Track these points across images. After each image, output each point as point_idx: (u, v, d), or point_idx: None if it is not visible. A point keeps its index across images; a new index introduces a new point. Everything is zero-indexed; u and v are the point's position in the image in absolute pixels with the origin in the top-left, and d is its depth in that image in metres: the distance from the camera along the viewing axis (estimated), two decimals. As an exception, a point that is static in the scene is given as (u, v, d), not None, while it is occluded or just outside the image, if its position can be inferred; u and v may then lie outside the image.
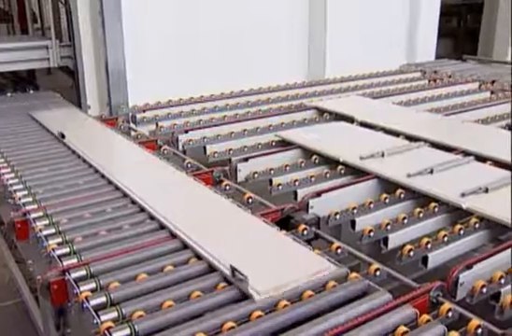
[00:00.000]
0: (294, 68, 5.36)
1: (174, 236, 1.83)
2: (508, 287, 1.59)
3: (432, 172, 2.29)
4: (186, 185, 2.25)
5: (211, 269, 1.63)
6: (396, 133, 2.96)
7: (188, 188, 2.23)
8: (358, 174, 2.41)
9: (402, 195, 2.17)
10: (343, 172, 2.45)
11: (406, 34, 6.17)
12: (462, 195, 2.06)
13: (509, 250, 1.75)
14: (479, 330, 1.40)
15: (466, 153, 2.60)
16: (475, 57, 6.15)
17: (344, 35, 5.45)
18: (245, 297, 1.49)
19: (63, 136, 2.08)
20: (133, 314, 1.40)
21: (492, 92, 4.16)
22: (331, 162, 2.55)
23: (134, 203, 2.09)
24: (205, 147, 2.87)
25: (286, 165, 2.50)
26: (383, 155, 2.50)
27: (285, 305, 1.43)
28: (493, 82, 4.39)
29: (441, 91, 4.06)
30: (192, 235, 1.79)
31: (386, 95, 3.97)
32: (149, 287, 1.54)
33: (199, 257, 1.69)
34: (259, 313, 1.42)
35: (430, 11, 6.24)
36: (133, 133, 3.30)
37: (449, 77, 4.67)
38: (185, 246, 1.76)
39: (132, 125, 3.53)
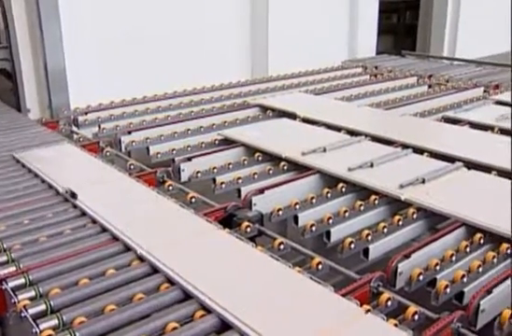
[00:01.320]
0: (238, 67, 5.38)
1: (116, 239, 1.81)
2: (443, 273, 1.65)
3: (372, 165, 2.34)
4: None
5: (154, 270, 1.62)
6: (338, 128, 3.00)
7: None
8: (301, 169, 2.44)
9: (343, 189, 2.21)
10: (286, 168, 2.47)
11: (347, 31, 6.29)
12: (401, 187, 2.11)
13: (444, 238, 1.81)
14: (416, 316, 1.45)
15: (405, 146, 2.66)
16: (413, 52, 6.31)
17: (286, 34, 5.50)
18: (188, 297, 1.49)
19: (73, 196, 1.99)
20: (74, 320, 1.38)
21: (430, 86, 4.29)
22: (274, 159, 2.57)
23: (75, 207, 2.06)
24: (148, 148, 2.84)
25: (229, 163, 2.50)
26: (325, 150, 2.53)
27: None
28: (430, 76, 4.53)
29: (381, 86, 4.16)
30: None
31: (328, 91, 4.03)
32: (90, 291, 1.52)
33: (141, 259, 1.68)
34: (201, 312, 1.42)
35: (369, 9, 6.37)
36: (75, 136, 3.24)
37: (389, 72, 4.78)
38: (128, 249, 1.75)
39: (74, 128, 3.46)
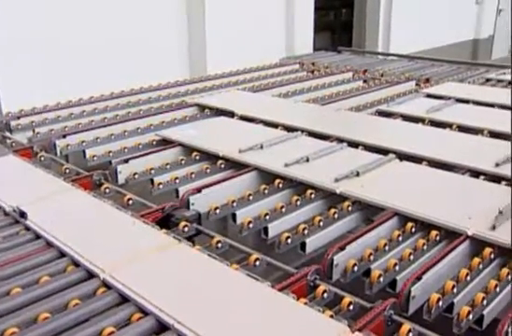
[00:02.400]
0: (176, 66, 5.35)
1: (50, 246, 1.77)
2: (377, 263, 1.69)
3: (308, 160, 2.38)
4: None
5: (90, 275, 1.60)
6: (275, 125, 3.03)
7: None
8: (238, 167, 2.45)
9: (280, 185, 2.23)
10: (223, 166, 2.48)
11: (284, 28, 6.36)
12: (336, 180, 2.16)
13: (378, 229, 1.86)
14: (351, 307, 1.49)
15: (340, 140, 2.72)
16: (349, 49, 6.44)
17: (223, 32, 5.51)
18: (125, 300, 1.48)
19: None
20: (5, 331, 1.34)
21: (365, 81, 4.38)
22: (211, 158, 2.56)
23: (6, 215, 2.00)
24: (84, 151, 2.78)
25: (167, 164, 2.49)
26: (262, 147, 2.55)
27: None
28: (365, 71, 4.63)
29: (318, 82, 4.22)
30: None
31: (266, 88, 4.06)
32: (23, 300, 1.48)
33: (77, 264, 1.65)
34: (139, 315, 1.41)
35: (304, 6, 6.46)
36: (7, 141, 3.13)
37: (326, 68, 4.86)
38: (62, 255, 1.72)
39: (6, 133, 3.35)
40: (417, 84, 4.23)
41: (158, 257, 1.67)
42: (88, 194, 2.15)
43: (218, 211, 2.02)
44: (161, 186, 2.30)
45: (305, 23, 6.49)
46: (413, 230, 1.88)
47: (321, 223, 1.92)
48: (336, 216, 1.99)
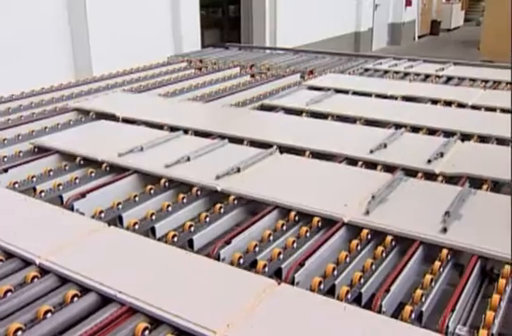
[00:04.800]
0: (60, 69, 5.17)
1: None
2: (262, 253, 1.74)
3: (189, 159, 2.36)
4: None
5: (26, 264, 1.64)
6: (158, 126, 2.96)
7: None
8: (121, 171, 2.37)
9: (164, 186, 2.20)
10: (107, 170, 2.40)
11: (171, 26, 6.32)
12: (217, 178, 2.17)
13: (261, 221, 1.91)
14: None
15: (223, 137, 2.72)
16: (236, 44, 6.52)
17: (108, 32, 5.38)
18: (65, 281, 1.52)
19: None
20: None
21: (252, 75, 4.45)
22: (94, 163, 2.48)
23: None
24: (-43, 164, 2.61)
25: (49, 171, 2.39)
26: (142, 149, 2.49)
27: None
28: (252, 66, 4.71)
29: (206, 79, 4.24)
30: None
31: (153, 87, 4.01)
32: None
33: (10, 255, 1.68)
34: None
35: (190, 3, 6.45)
36: None
37: (214, 64, 4.89)
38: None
39: None
40: (301, 76, 4.36)
41: (90, 239, 1.76)
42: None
43: (102, 214, 1.98)
44: (43, 193, 2.21)
45: (192, 20, 6.48)
46: (296, 218, 1.94)
47: (207, 219, 1.94)
48: (222, 210, 2.01)
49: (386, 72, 4.42)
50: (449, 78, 4.22)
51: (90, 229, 1.82)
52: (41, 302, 1.45)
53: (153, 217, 1.95)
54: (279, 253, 1.72)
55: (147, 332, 1.35)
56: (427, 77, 4.29)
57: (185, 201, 2.08)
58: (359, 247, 1.76)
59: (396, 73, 4.39)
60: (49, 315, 1.40)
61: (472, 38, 13.34)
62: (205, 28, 7.87)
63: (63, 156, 2.58)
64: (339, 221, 1.87)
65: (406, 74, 4.37)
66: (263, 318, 1.38)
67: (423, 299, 1.49)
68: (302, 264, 1.64)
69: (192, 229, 1.87)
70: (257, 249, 1.74)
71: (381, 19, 13.47)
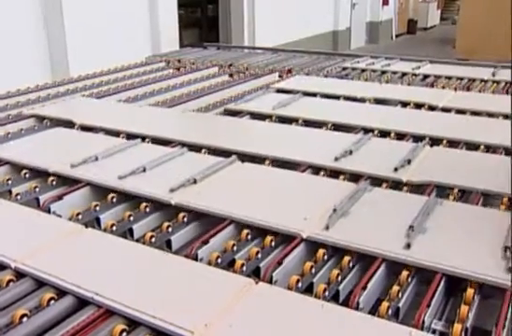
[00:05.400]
0: (36, 70, 5.12)
1: None
2: (240, 253, 1.74)
3: (144, 170, 2.22)
4: None
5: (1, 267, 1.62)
6: (117, 133, 2.80)
7: None
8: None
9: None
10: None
11: (149, 26, 6.30)
12: (171, 190, 2.02)
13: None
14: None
15: (183, 144, 2.58)
16: (215, 44, 6.50)
17: (85, 32, 5.35)
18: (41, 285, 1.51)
19: None
20: None
21: (231, 75, 4.45)
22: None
23: None
24: None
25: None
26: (97, 159, 2.35)
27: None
28: (230, 65, 4.70)
29: (184, 79, 4.22)
30: None
31: (130, 88, 3.94)
32: None
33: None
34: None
35: (168, 3, 6.44)
36: None
37: (192, 64, 4.87)
38: None
39: None
40: (280, 75, 4.37)
41: (67, 241, 1.74)
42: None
43: (80, 216, 1.95)
44: (19, 196, 2.18)
45: (170, 20, 6.47)
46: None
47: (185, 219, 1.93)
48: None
49: (363, 70, 4.44)
50: (426, 76, 4.27)
51: (67, 231, 1.81)
52: (17, 306, 1.44)
53: (131, 219, 1.94)
54: (257, 252, 1.72)
55: (124, 334, 1.35)
56: (404, 75, 4.33)
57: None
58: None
59: (373, 71, 4.41)
60: (25, 319, 1.39)
61: (448, 37, 13.51)
62: (183, 28, 7.85)
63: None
64: (297, 237, 1.75)
65: (384, 72, 4.40)
66: (242, 317, 1.38)
67: (400, 295, 1.50)
68: (280, 263, 1.64)
69: (170, 229, 1.87)
70: (235, 248, 1.74)
71: (359, 18, 13.58)
